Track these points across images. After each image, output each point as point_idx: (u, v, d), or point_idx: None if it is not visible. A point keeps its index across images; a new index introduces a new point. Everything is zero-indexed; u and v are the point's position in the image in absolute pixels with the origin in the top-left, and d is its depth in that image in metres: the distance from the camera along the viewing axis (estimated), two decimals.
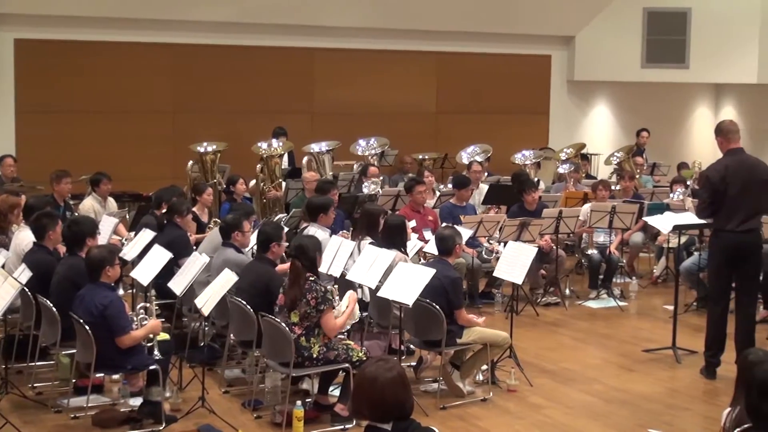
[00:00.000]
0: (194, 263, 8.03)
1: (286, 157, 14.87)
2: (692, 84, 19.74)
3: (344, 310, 7.50)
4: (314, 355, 7.27)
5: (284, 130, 15.14)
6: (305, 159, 14.26)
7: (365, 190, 13.19)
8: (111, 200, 12.39)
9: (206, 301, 7.42)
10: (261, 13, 15.97)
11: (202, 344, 8.55)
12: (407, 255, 9.07)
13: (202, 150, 14.19)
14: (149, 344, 7.36)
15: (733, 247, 8.44)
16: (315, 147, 14.42)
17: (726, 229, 8.42)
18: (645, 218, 11.59)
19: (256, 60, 16.47)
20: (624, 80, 18.96)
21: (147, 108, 15.84)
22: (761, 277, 9.54)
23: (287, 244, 8.31)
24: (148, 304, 7.59)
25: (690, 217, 10.22)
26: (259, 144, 13.86)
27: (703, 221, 9.08)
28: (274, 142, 14.05)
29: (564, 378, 8.77)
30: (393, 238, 8.91)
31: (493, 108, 18.27)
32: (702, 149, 19.01)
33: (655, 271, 13.02)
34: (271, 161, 13.67)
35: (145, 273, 8.39)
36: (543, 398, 8.16)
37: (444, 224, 10.01)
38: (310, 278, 7.35)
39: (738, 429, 4.46)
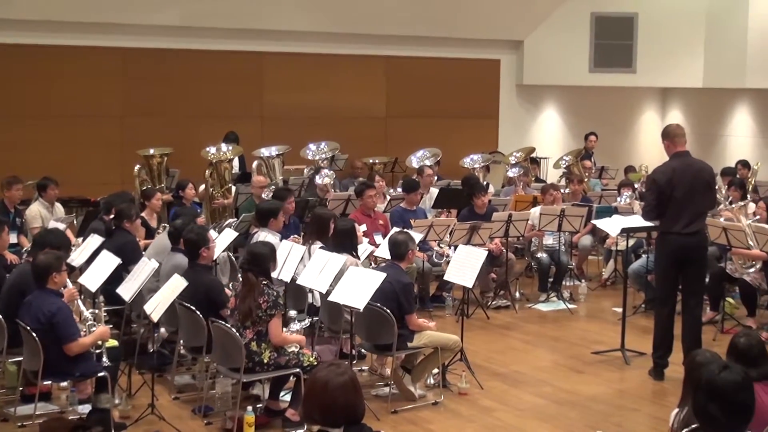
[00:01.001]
0: (143, 269, 7.97)
1: (236, 162, 14.80)
2: (639, 88, 19.95)
3: (292, 334, 7.54)
4: (265, 361, 7.24)
5: (236, 135, 15.09)
6: (255, 163, 14.20)
7: (318, 181, 13.23)
8: (58, 205, 12.24)
9: (155, 307, 7.37)
10: (210, 17, 15.89)
11: (151, 350, 8.48)
12: (359, 259, 9.07)
13: (148, 154, 14.08)
14: (98, 351, 7.28)
15: (679, 249, 8.54)
16: (265, 151, 14.38)
17: (672, 232, 8.53)
18: (593, 221, 11.67)
19: (206, 64, 16.38)
20: (572, 84, 19.10)
21: (94, 112, 15.68)
22: (707, 279, 9.66)
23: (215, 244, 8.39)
24: (96, 311, 7.51)
25: (637, 220, 10.31)
26: (207, 149, 13.79)
27: (650, 223, 9.19)
28: (223, 147, 13.97)
29: (514, 380, 8.82)
30: (343, 242, 8.91)
31: (443, 112, 18.33)
32: (649, 153, 19.20)
33: (603, 273, 13.12)
34: (221, 166, 13.59)
35: (93, 279, 8.31)
36: (494, 401, 8.20)
37: (398, 229, 10.03)
38: (263, 282, 7.33)
39: (686, 429, 4.50)
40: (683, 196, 8.44)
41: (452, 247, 10.91)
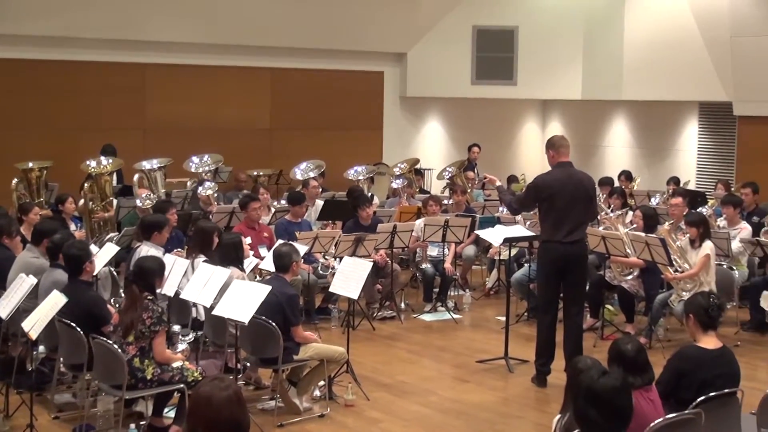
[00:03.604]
0: (21, 285, 7.76)
1: (114, 175, 14.50)
2: (520, 100, 20.30)
3: (177, 352, 7.46)
4: (148, 377, 7.13)
5: (113, 147, 14.77)
6: (136, 176, 13.95)
7: (201, 192, 13.12)
8: None
9: (34, 324, 7.18)
10: (90, 28, 15.59)
11: (30, 369, 8.26)
12: (245, 272, 9.00)
13: (27, 167, 13.73)
14: None
15: (560, 257, 8.71)
16: (146, 164, 14.12)
17: (553, 240, 8.69)
18: (477, 231, 11.82)
19: (86, 75, 16.06)
20: (455, 96, 19.33)
21: None
22: (587, 287, 9.87)
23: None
24: None
25: (519, 230, 10.52)
26: (87, 162, 13.47)
27: (530, 233, 9.33)
28: (103, 160, 13.67)
29: (400, 391, 8.85)
30: (229, 255, 8.83)
31: (328, 124, 18.37)
32: (530, 163, 19.57)
33: (487, 283, 13.28)
34: (101, 179, 13.32)
35: None
36: (380, 412, 8.22)
37: (281, 241, 9.99)
38: (148, 297, 7.22)
39: None
40: (564, 205, 8.62)
41: (337, 259, 10.91)
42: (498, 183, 9.69)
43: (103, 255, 9.32)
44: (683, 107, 18.19)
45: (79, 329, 7.44)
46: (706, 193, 14.80)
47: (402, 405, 8.45)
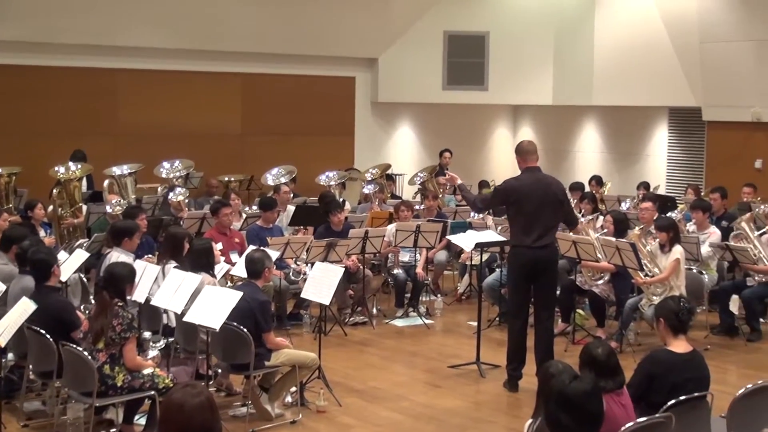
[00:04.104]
0: None
1: (84, 181, 14.42)
2: (491, 105, 20.36)
3: (148, 358, 7.41)
4: (118, 384, 7.08)
5: (83, 153, 14.69)
6: (106, 182, 13.88)
7: (171, 198, 13.06)
8: None
9: (3, 332, 7.12)
10: (59, 33, 15.51)
11: None
12: (215, 278, 8.97)
13: None
14: None
15: (530, 262, 8.73)
16: (116, 170, 14.06)
17: (523, 245, 8.71)
18: (448, 237, 11.84)
19: (55, 80, 15.98)
20: (426, 102, 19.38)
21: None
22: (558, 291, 9.90)
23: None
24: None
25: (491, 235, 10.53)
26: (56, 168, 13.39)
27: (502, 238, 9.33)
28: (72, 166, 13.59)
29: (372, 397, 8.84)
30: (200, 261, 8.79)
31: (299, 129, 18.35)
32: (501, 168, 19.63)
33: (459, 288, 13.29)
34: (70, 185, 13.23)
35: None
36: (352, 418, 8.20)
37: (254, 247, 9.96)
38: (118, 304, 7.18)
39: None
40: (533, 210, 8.64)
41: (309, 265, 10.90)
42: (459, 181, 9.65)
43: (72, 261, 9.26)
44: (653, 112, 18.31)
45: (48, 336, 7.39)
46: (676, 198, 14.89)
47: (374, 410, 8.44)
